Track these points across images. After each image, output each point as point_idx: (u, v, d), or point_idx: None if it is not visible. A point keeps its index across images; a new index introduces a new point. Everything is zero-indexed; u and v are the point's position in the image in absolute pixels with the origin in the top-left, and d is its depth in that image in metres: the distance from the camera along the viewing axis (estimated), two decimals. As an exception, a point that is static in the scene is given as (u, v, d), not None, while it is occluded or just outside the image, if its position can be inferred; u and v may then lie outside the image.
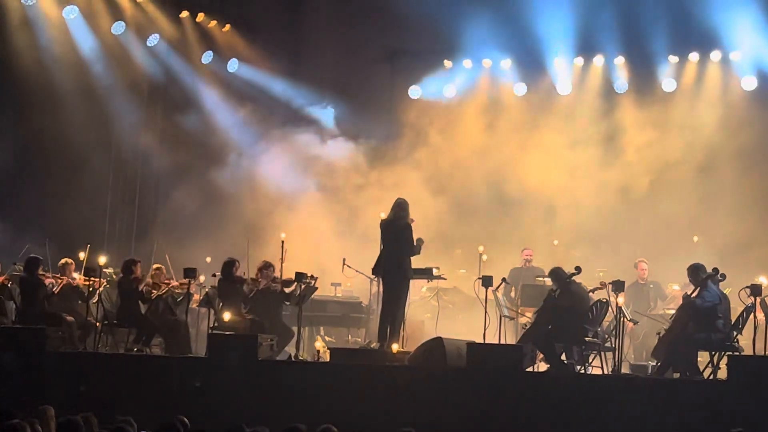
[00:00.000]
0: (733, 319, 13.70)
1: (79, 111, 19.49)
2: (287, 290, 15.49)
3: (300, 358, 14.64)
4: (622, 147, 20.21)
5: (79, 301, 15.56)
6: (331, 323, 17.63)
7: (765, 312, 14.39)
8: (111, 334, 15.53)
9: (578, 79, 20.92)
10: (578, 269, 14.25)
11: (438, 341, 13.57)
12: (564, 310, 13.91)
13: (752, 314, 13.44)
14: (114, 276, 16.74)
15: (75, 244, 17.26)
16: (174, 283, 15.70)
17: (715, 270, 13.62)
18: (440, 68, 21.43)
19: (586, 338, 13.84)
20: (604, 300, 14.21)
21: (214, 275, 15.60)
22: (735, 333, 13.58)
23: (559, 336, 13.81)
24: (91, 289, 15.44)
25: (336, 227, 19.73)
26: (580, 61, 20.81)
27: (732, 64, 20.08)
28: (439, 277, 15.06)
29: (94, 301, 15.66)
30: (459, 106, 21.35)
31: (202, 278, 16.18)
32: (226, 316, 14.85)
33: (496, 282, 14.54)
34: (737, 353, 13.33)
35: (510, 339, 15.32)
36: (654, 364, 14.08)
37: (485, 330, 13.98)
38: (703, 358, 13.78)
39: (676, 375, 13.48)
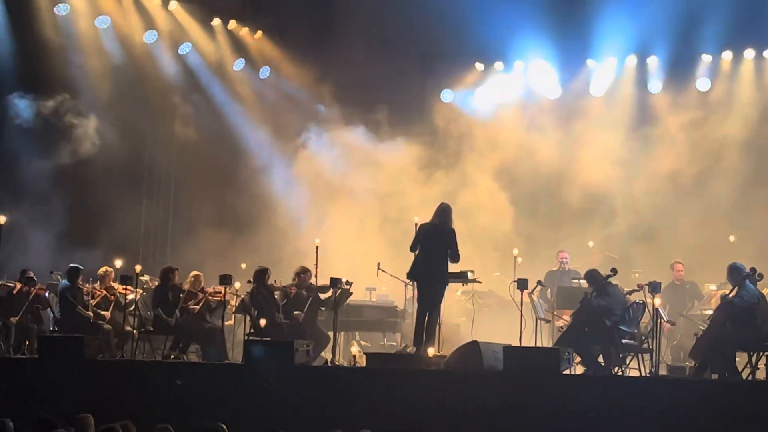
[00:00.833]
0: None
1: (112, 121, 19.61)
2: (323, 296, 15.52)
3: (336, 363, 14.66)
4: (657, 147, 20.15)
5: (116, 310, 15.68)
6: (367, 328, 17.63)
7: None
8: (148, 341, 15.64)
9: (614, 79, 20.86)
10: (614, 271, 14.21)
11: (474, 345, 13.53)
12: (601, 312, 13.86)
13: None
14: (150, 284, 16.83)
15: (112, 253, 17.41)
16: (210, 290, 15.76)
17: (753, 269, 13.53)
18: (472, 71, 21.43)
19: (623, 340, 13.79)
20: (641, 301, 14.14)
21: (249, 282, 15.66)
22: (774, 333, 13.46)
23: (596, 338, 13.75)
24: (128, 297, 15.55)
25: (370, 230, 19.77)
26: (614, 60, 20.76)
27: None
28: (474, 281, 15.02)
29: (131, 309, 15.77)
30: (499, 109, 21.28)
31: (237, 285, 16.23)
32: (262, 322, 14.89)
33: (531, 284, 14.53)
34: (776, 353, 13.24)
35: (546, 342, 15.27)
36: (691, 365, 13.99)
37: (521, 333, 13.95)
38: (741, 358, 13.66)
39: (714, 376, 13.38)
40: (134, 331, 15.43)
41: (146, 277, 16.99)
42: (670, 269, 17.40)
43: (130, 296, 15.51)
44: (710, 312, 14.88)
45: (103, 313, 15.43)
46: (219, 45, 21.06)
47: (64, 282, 15.57)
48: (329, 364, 14.49)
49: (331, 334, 15.06)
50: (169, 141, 21.13)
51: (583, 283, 15.38)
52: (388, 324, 17.40)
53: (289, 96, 21.37)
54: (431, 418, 12.14)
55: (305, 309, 15.35)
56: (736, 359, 13.52)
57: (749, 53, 20.17)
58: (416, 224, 14.89)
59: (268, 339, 14.44)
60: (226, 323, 15.79)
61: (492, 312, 17.54)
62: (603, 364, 13.72)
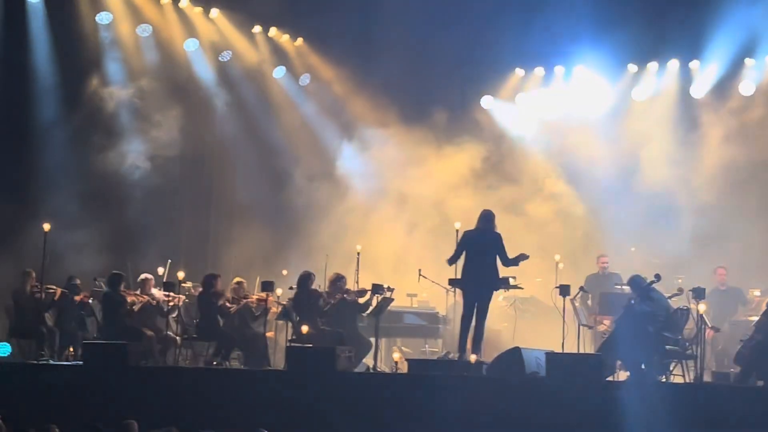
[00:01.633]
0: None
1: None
2: (361, 300, 15.52)
3: (378, 369, 14.66)
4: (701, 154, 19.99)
5: (159, 316, 15.77)
6: (408, 334, 17.60)
7: None
8: (190, 348, 15.72)
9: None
10: (658, 277, 14.10)
11: (516, 351, 13.50)
12: (644, 318, 13.75)
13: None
14: (193, 290, 16.91)
15: (156, 260, 17.56)
16: (252, 298, 15.80)
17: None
18: (512, 76, 21.38)
19: (667, 346, 13.68)
20: (685, 307, 14.03)
21: (291, 288, 15.68)
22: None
23: (640, 344, 13.64)
24: (171, 304, 15.63)
25: (412, 236, 19.79)
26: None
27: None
28: (516, 287, 14.95)
29: (174, 315, 15.85)
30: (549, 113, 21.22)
31: (279, 291, 16.26)
32: (304, 328, 14.92)
33: (573, 291, 14.46)
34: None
35: (589, 348, 15.19)
36: (736, 371, 13.86)
37: (564, 339, 13.88)
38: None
39: (760, 383, 13.25)
40: (177, 338, 15.51)
41: (189, 284, 17.07)
42: (713, 274, 17.27)
43: (173, 303, 15.60)
44: (756, 318, 14.74)
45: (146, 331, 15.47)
46: (260, 52, 21.13)
47: (106, 290, 15.68)
48: (371, 371, 14.49)
49: (372, 340, 15.06)
50: (212, 145, 21.25)
51: (626, 288, 15.27)
52: (429, 330, 17.37)
53: (329, 102, 21.38)
54: (473, 424, 12.11)
55: (328, 314, 15.29)
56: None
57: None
58: (457, 231, 14.86)
59: (310, 345, 14.46)
60: (267, 334, 15.81)
61: (534, 318, 17.47)
62: (647, 370, 13.62)
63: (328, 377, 13.35)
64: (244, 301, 15.67)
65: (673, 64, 20.55)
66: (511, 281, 14.67)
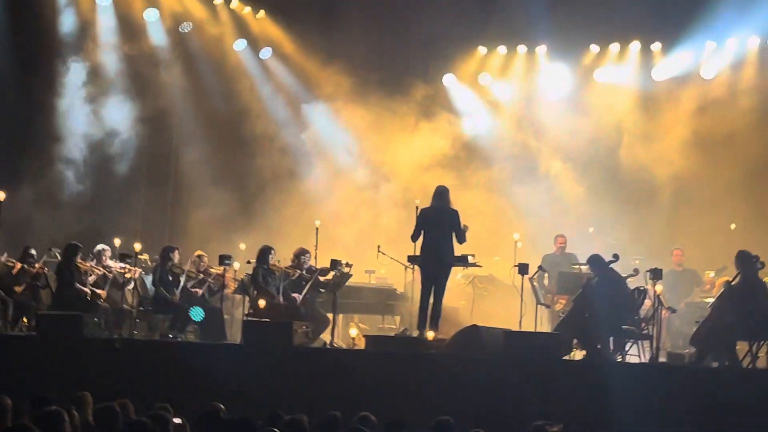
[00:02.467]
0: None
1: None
2: (322, 278, 15.44)
3: (335, 345, 14.62)
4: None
5: (115, 288, 15.62)
6: (366, 310, 17.55)
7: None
8: (146, 320, 15.59)
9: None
10: (616, 257, 14.16)
11: (474, 329, 13.51)
12: (601, 298, 13.79)
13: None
14: (149, 262, 16.76)
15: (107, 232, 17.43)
16: (213, 271, 15.69)
17: (756, 257, 13.49)
18: (475, 54, 21.29)
19: (623, 326, 13.74)
20: (642, 288, 14.10)
21: (248, 262, 15.59)
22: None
23: (596, 324, 13.69)
24: (127, 276, 15.47)
25: (369, 215, 19.74)
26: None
27: None
28: (474, 265, 14.95)
29: (130, 287, 15.71)
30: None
31: (236, 265, 16.16)
32: (261, 303, 14.83)
33: (531, 269, 14.48)
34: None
35: (546, 327, 15.23)
36: (691, 352, 13.96)
37: (521, 318, 13.90)
38: (741, 346, 13.62)
39: (715, 364, 13.35)
40: (132, 310, 15.37)
41: (145, 256, 16.92)
42: (670, 256, 17.37)
43: (129, 275, 15.44)
44: (711, 300, 14.83)
45: (99, 291, 15.37)
46: (221, 23, 20.98)
47: (60, 260, 15.50)
48: (328, 346, 14.45)
49: (330, 316, 15.00)
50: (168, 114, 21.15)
51: (584, 268, 15.32)
52: (387, 307, 17.33)
53: (292, 76, 21.24)
54: (430, 401, 12.10)
55: (304, 292, 15.24)
56: (737, 347, 13.49)
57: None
58: (416, 207, 14.81)
59: (267, 320, 14.39)
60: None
61: (492, 296, 17.47)
62: (602, 349, 13.68)
63: (285, 352, 13.32)
64: (203, 276, 15.58)
65: (635, 45, 20.54)
66: (470, 259, 14.66)
